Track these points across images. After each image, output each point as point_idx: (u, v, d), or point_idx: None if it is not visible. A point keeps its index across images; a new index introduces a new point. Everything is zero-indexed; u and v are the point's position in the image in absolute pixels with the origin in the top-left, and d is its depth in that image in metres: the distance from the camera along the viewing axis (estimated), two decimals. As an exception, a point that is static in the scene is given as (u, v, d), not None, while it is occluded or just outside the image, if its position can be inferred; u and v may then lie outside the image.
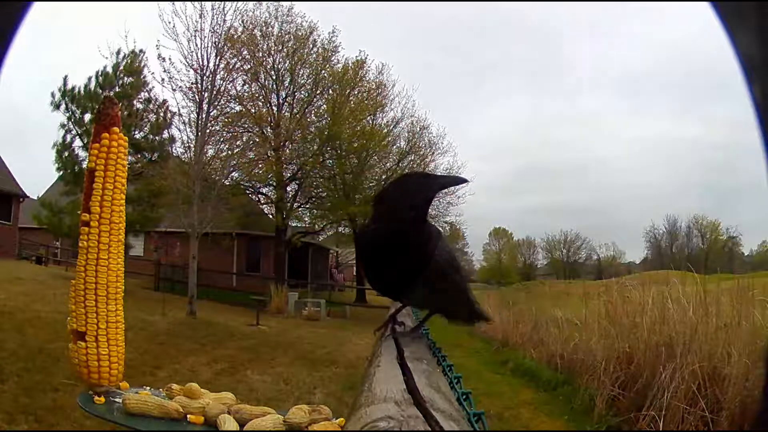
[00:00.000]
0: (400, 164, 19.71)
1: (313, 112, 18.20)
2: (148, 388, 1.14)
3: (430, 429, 0.53)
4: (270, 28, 16.72)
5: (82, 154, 12.93)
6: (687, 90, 57.21)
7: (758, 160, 0.39)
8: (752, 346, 4.76)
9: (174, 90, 13.03)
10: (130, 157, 13.07)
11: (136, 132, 13.38)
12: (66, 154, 13.36)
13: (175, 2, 12.70)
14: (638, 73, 55.41)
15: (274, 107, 17.48)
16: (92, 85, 13.34)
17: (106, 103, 1.07)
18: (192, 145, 12.71)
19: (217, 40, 13.07)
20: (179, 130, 13.15)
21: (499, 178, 60.31)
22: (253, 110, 16.46)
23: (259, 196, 19.15)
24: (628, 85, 57.76)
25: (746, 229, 41.90)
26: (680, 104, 55.26)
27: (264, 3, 16.40)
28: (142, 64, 13.64)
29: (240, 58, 14.88)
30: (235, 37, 14.32)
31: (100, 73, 13.35)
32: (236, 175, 15.96)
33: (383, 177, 19.70)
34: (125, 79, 13.45)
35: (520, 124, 64.49)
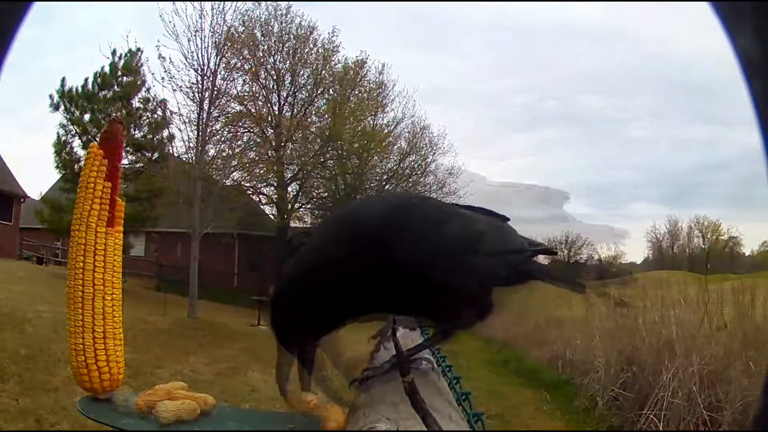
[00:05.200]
0: (401, 164, 19.71)
1: (313, 112, 18.20)
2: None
3: (428, 430, 0.53)
4: (270, 28, 16.73)
5: (80, 152, 12.94)
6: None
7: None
8: (753, 347, 4.76)
9: (174, 90, 13.05)
10: (129, 156, 13.12)
11: (136, 131, 13.38)
12: (65, 153, 13.38)
13: (176, 2, 12.72)
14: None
15: (274, 107, 17.48)
16: (90, 86, 13.35)
17: (111, 128, 1.05)
18: (193, 145, 12.74)
19: (217, 39, 13.10)
20: (180, 130, 13.16)
21: (500, 178, 60.18)
22: (253, 110, 16.46)
23: (260, 196, 19.16)
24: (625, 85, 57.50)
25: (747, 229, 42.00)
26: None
27: (264, 3, 16.41)
28: (140, 62, 13.65)
29: (240, 57, 14.90)
30: (236, 36, 14.33)
31: (98, 74, 13.36)
32: (237, 175, 15.97)
33: (384, 177, 19.70)
34: (123, 78, 13.44)
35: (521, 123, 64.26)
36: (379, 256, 0.69)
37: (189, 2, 12.67)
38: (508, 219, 0.95)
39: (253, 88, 16.67)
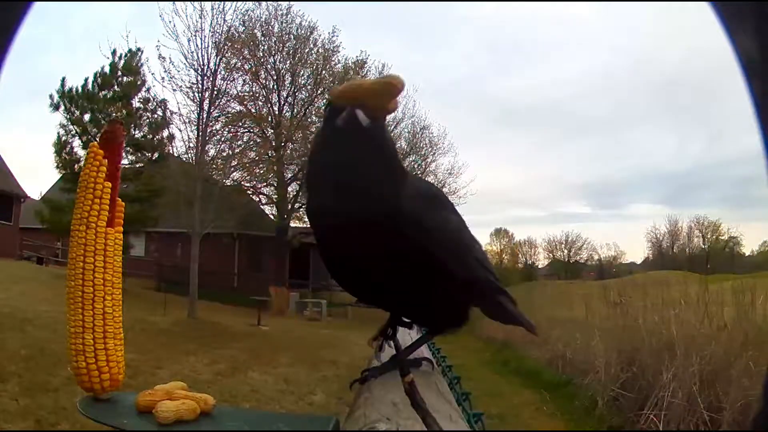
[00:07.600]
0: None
1: (313, 112, 18.21)
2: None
3: (428, 430, 0.53)
4: (270, 28, 16.74)
5: (80, 152, 12.95)
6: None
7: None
8: (753, 347, 4.76)
9: (174, 90, 13.08)
10: (129, 156, 13.13)
11: (136, 131, 13.39)
12: (65, 153, 13.39)
13: (176, 2, 12.75)
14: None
15: (274, 107, 17.49)
16: (90, 86, 13.35)
17: (111, 128, 1.05)
18: (193, 145, 12.75)
19: (217, 39, 13.11)
20: (180, 130, 13.18)
21: (500, 178, 60.18)
22: (253, 110, 16.47)
23: (260, 196, 19.16)
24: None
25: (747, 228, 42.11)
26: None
27: (264, 3, 16.42)
28: (140, 62, 13.66)
29: (240, 57, 14.91)
30: (236, 36, 14.34)
31: (98, 74, 13.37)
32: (237, 175, 15.98)
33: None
34: (123, 78, 13.45)
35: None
36: (400, 232, 0.70)
37: (189, 2, 12.71)
38: None
39: (253, 88, 16.70)
